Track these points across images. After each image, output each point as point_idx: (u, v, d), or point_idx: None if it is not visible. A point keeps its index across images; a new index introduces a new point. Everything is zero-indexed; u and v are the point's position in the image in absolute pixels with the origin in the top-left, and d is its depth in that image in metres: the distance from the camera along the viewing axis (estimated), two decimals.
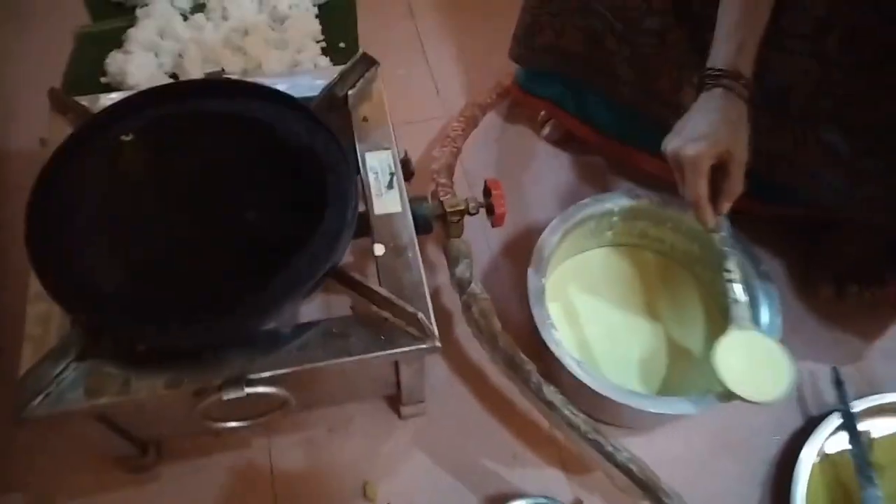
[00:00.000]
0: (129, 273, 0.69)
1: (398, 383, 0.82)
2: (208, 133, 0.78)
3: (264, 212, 0.73)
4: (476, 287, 0.85)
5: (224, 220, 0.73)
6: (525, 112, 1.17)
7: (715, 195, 0.76)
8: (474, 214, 0.86)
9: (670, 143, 0.76)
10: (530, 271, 0.85)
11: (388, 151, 0.82)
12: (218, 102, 0.80)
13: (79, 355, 0.68)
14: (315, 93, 0.86)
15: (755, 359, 0.74)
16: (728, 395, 0.73)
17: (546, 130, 1.14)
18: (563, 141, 1.15)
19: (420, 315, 0.69)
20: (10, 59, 1.26)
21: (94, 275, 0.68)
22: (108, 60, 1.20)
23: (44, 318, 0.71)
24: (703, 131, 0.73)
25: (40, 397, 0.65)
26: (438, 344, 0.69)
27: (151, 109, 0.78)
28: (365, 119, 0.85)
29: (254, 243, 0.72)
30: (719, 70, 0.75)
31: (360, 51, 0.86)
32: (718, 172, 0.74)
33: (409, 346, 0.69)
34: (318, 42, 1.26)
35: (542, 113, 1.15)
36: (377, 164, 0.81)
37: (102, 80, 1.20)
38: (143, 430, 0.80)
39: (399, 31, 1.33)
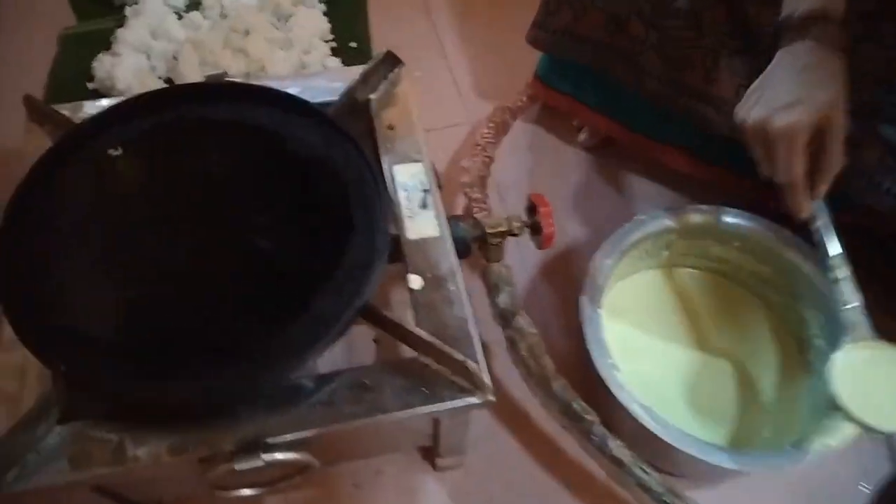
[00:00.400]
0: (119, 315, 0.58)
1: (435, 434, 0.71)
2: (210, 145, 0.67)
3: (278, 239, 0.62)
4: (522, 320, 0.74)
5: (232, 250, 0.62)
6: (550, 109, 1.05)
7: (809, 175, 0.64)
8: (517, 236, 0.75)
9: (751, 113, 0.64)
10: (584, 300, 0.74)
11: (420, 164, 0.71)
12: (221, 109, 0.68)
13: (62, 416, 0.56)
14: (330, 97, 0.75)
15: (881, 377, 0.63)
16: (850, 422, 0.62)
17: (582, 136, 1.03)
18: (601, 147, 1.04)
19: (470, 364, 0.57)
20: None
21: (77, 317, 0.57)
22: (94, 64, 1.09)
23: (18, 371, 0.59)
24: (795, 95, 0.61)
25: (15, 470, 0.54)
26: (492, 398, 0.58)
27: (144, 118, 0.67)
28: (391, 127, 0.73)
29: (268, 278, 0.60)
30: (803, 17, 0.63)
31: (385, 50, 0.75)
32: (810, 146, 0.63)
33: (456, 400, 0.58)
34: (326, 42, 1.14)
35: (576, 121, 1.04)
36: (408, 180, 0.69)
37: (89, 85, 1.09)
38: (142, 494, 0.68)
39: (415, 28, 1.21)
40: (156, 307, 0.58)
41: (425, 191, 0.69)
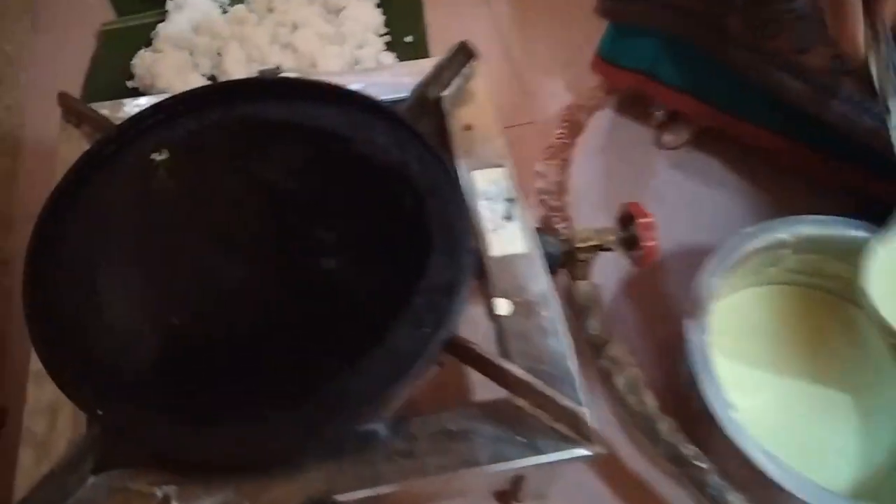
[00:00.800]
0: (163, 349, 0.50)
1: (518, 480, 0.61)
2: (266, 149, 0.58)
3: (346, 258, 0.54)
4: (618, 349, 0.64)
5: (292, 272, 0.53)
6: (626, 107, 0.95)
7: None
8: (609, 251, 0.65)
9: None
10: (689, 325, 0.64)
11: (503, 170, 0.61)
12: (276, 108, 0.60)
13: (97, 465, 0.48)
14: (396, 95, 0.66)
15: None
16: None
17: (668, 137, 0.93)
18: (691, 145, 0.93)
19: (577, 409, 0.48)
20: (22, 61, 1.08)
21: (116, 350, 0.49)
22: (134, 61, 1.01)
23: (49, 409, 0.52)
24: None
25: None
26: (603, 450, 0.48)
27: (191, 118, 0.59)
28: (468, 127, 0.64)
29: (334, 304, 0.52)
30: None
31: (459, 42, 0.66)
32: None
33: (559, 452, 0.49)
34: (380, 36, 1.06)
35: (659, 114, 0.93)
36: (490, 188, 0.60)
37: (129, 83, 1.01)
38: None
39: (473, 20, 1.12)
40: (206, 339, 0.50)
41: (510, 200, 0.60)
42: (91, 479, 0.48)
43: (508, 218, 0.59)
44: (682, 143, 0.93)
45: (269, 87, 0.60)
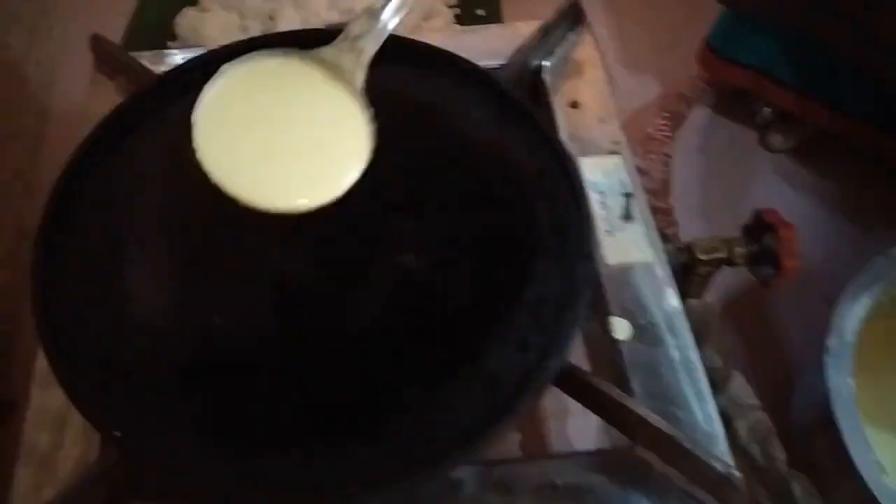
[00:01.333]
0: (200, 356, 0.39)
1: None
2: None
3: (431, 257, 0.43)
4: (739, 386, 0.53)
5: (362, 271, 0.42)
6: (728, 101, 0.84)
7: None
8: (736, 266, 0.54)
9: None
10: (830, 362, 0.53)
11: (619, 157, 0.50)
12: None
13: (111, 495, 0.38)
14: (487, 62, 0.55)
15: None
16: None
17: (776, 139, 0.81)
18: (799, 150, 0.82)
19: (729, 473, 0.37)
20: (56, 14, 0.98)
21: (141, 357, 0.38)
22: (178, 20, 0.92)
23: (55, 419, 0.41)
24: None
25: None
26: None
27: None
28: (574, 105, 0.53)
29: (415, 314, 0.41)
30: None
31: (572, 0, 0.55)
32: None
33: None
34: (450, 7, 0.95)
35: (767, 111, 0.82)
36: (602, 180, 0.49)
37: (170, 44, 0.92)
38: None
39: None
40: (254, 347, 0.39)
41: (628, 195, 0.49)
42: None
43: (627, 217, 0.48)
44: (789, 147, 0.82)
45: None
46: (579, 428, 0.71)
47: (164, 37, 0.93)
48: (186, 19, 0.92)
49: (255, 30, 0.91)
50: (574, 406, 0.71)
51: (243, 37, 0.85)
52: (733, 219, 0.77)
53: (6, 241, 0.79)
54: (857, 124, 0.75)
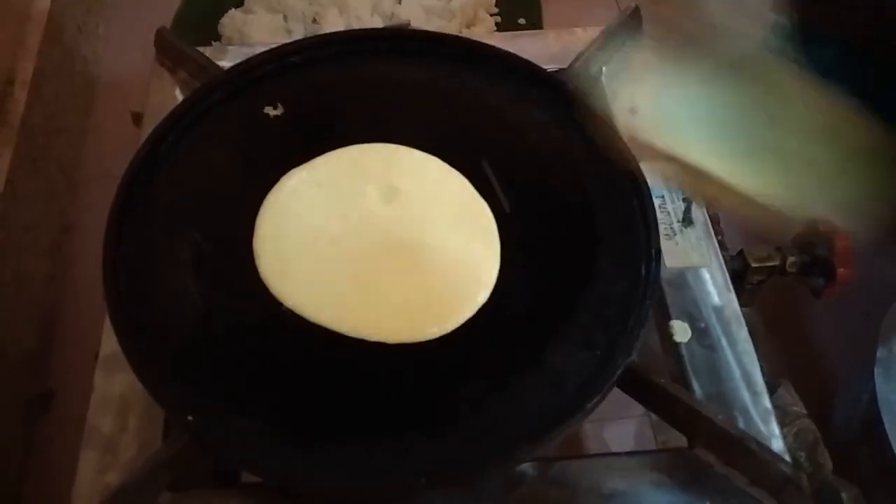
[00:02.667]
0: (274, 345, 0.40)
1: None
2: (399, 115, 0.48)
3: None
4: (787, 393, 0.53)
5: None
6: None
7: None
8: (788, 275, 0.54)
9: None
10: (879, 372, 0.53)
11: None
12: (414, 68, 0.50)
13: (175, 481, 0.38)
14: (547, 66, 0.55)
15: None
16: None
17: None
18: None
19: (793, 473, 0.37)
20: (102, 13, 1.00)
21: (215, 345, 0.39)
22: (223, 20, 0.93)
23: (118, 404, 0.42)
24: None
25: None
26: None
27: (314, 70, 0.49)
28: (634, 110, 0.53)
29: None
30: None
31: (633, 6, 0.55)
32: None
33: None
34: (492, 15, 0.96)
35: None
36: (662, 184, 0.49)
37: (215, 45, 0.92)
38: None
39: (596, 7, 1.01)
40: (323, 341, 0.40)
41: (687, 200, 0.49)
42: (167, 497, 0.38)
43: (686, 222, 0.48)
44: None
45: (407, 41, 0.51)
46: (615, 435, 0.72)
47: (209, 38, 0.93)
48: (231, 20, 0.92)
49: (299, 32, 0.92)
50: (610, 412, 0.72)
51: (288, 39, 0.86)
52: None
53: (49, 234, 0.80)
54: None
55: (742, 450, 0.38)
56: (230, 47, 0.57)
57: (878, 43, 0.66)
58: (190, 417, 0.36)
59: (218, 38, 0.93)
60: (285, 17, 0.93)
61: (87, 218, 0.82)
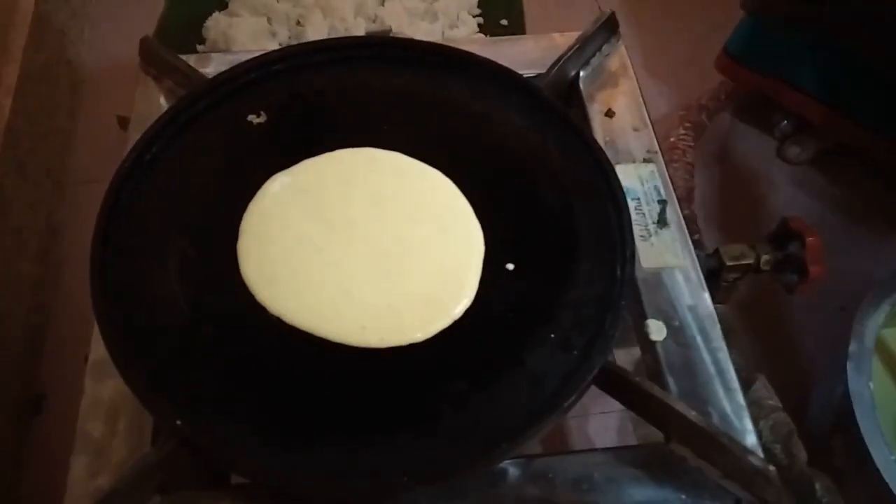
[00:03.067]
0: (260, 349, 0.41)
1: None
2: (383, 121, 0.49)
3: None
4: (762, 387, 0.55)
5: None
6: (747, 111, 0.85)
7: None
8: (761, 272, 0.56)
9: None
10: (851, 366, 0.54)
11: (653, 165, 0.52)
12: (393, 74, 0.51)
13: (163, 484, 0.39)
14: (525, 71, 0.56)
15: None
16: None
17: (794, 150, 0.82)
18: (816, 160, 0.83)
19: (762, 466, 0.38)
20: (87, 17, 1.00)
21: (202, 350, 0.40)
22: (207, 23, 0.93)
23: (108, 409, 0.43)
24: None
25: None
26: None
27: (297, 78, 0.50)
28: (609, 113, 0.55)
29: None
30: None
31: (608, 11, 0.56)
32: None
33: None
34: (474, 17, 0.97)
35: (783, 124, 0.84)
36: (637, 186, 0.51)
37: (200, 48, 0.93)
38: None
39: (576, 8, 1.03)
40: (308, 345, 0.41)
41: (662, 202, 0.50)
42: (156, 500, 0.39)
43: (661, 223, 0.49)
44: (807, 159, 0.84)
45: (388, 48, 0.51)
46: (597, 428, 0.73)
47: (193, 41, 0.94)
48: (216, 23, 0.93)
49: (284, 35, 0.93)
50: (593, 407, 0.73)
51: (272, 42, 0.87)
52: (751, 227, 0.80)
53: (37, 238, 0.81)
54: (877, 136, 0.76)
55: (714, 444, 0.39)
56: (214, 55, 0.57)
57: (845, 37, 0.67)
58: (178, 422, 0.37)
59: (202, 41, 0.94)
60: (269, 20, 0.94)
61: (75, 221, 0.83)
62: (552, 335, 0.41)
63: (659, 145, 0.53)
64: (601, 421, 0.73)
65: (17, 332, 0.73)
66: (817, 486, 0.51)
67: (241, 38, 0.90)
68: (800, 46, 0.73)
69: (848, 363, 0.55)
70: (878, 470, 0.50)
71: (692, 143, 0.75)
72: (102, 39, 0.99)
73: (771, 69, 0.77)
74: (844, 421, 0.55)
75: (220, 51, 0.88)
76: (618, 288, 0.42)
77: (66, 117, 0.91)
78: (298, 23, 0.93)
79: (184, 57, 0.55)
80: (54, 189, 0.86)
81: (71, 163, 0.89)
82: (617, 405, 0.64)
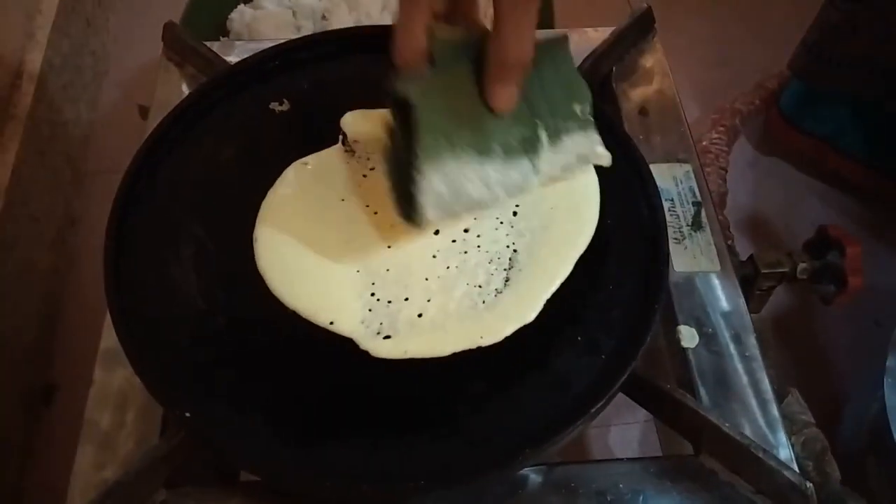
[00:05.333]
0: (273, 342, 0.39)
1: None
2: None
3: None
4: (795, 402, 0.52)
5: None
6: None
7: None
8: (796, 282, 0.53)
9: None
10: (888, 382, 0.52)
11: (688, 166, 0.50)
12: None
13: (171, 478, 0.38)
14: None
15: None
16: None
17: None
18: None
19: (799, 482, 0.36)
20: (112, 7, 1.00)
21: (215, 342, 0.38)
22: (232, 16, 0.92)
23: (117, 399, 0.42)
24: None
25: None
26: None
27: (320, 65, 0.49)
28: (643, 111, 0.53)
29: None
30: None
31: (644, 6, 0.55)
32: None
33: None
34: None
35: None
36: (671, 187, 0.49)
37: (223, 40, 0.92)
38: None
39: (609, 6, 1.01)
40: (324, 340, 0.39)
41: (697, 204, 0.48)
42: (162, 494, 0.38)
43: (696, 226, 0.47)
44: None
45: None
46: (619, 440, 0.71)
47: (217, 34, 0.93)
48: (240, 16, 0.92)
49: (309, 28, 0.91)
50: (614, 418, 0.71)
51: (297, 35, 0.86)
52: (785, 236, 0.77)
53: (54, 226, 0.80)
54: None
55: (747, 457, 0.37)
56: (237, 42, 0.56)
57: (889, 102, 0.66)
58: (187, 414, 0.35)
59: (226, 33, 0.93)
60: (294, 14, 0.93)
61: (93, 211, 0.82)
62: (579, 337, 0.39)
63: (696, 150, 0.51)
64: (623, 432, 0.71)
65: (31, 321, 0.72)
66: None
67: (265, 31, 0.89)
68: (849, 110, 0.72)
69: (885, 379, 0.52)
70: None
71: (726, 148, 0.73)
72: (127, 30, 0.98)
73: (821, 133, 0.76)
74: (879, 439, 0.52)
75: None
76: (650, 291, 0.40)
77: (88, 107, 0.90)
78: (324, 17, 0.92)
79: (207, 44, 0.54)
80: (73, 178, 0.86)
81: (91, 152, 0.88)
82: (640, 416, 0.62)
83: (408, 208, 0.37)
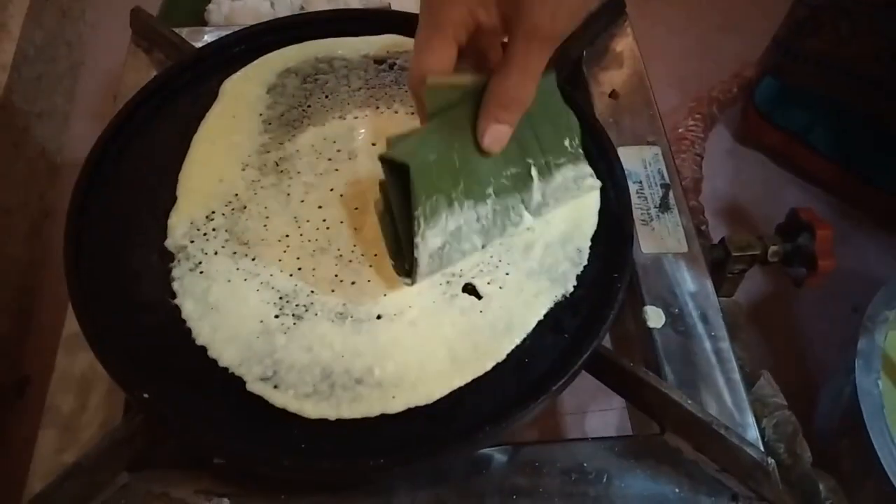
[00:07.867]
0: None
1: None
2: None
3: None
4: (767, 384, 0.52)
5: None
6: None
7: None
8: (768, 264, 0.53)
9: None
10: (860, 364, 0.52)
11: (657, 149, 0.50)
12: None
13: (134, 461, 0.37)
14: None
15: None
16: None
17: None
18: None
19: (761, 459, 0.36)
20: None
21: (173, 323, 0.38)
22: (210, 7, 0.92)
23: (79, 383, 0.41)
24: None
25: None
26: None
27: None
28: (614, 95, 0.53)
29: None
30: None
31: None
32: None
33: None
34: None
35: None
36: (639, 169, 0.49)
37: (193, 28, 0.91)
38: None
39: None
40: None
41: (665, 185, 0.48)
42: (124, 478, 0.38)
43: (664, 208, 0.47)
44: None
45: (381, 20, 0.50)
46: (596, 426, 0.71)
47: (196, 23, 0.92)
48: (217, 7, 0.91)
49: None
50: (592, 404, 0.71)
51: None
52: (759, 221, 0.77)
53: (29, 219, 0.79)
54: (891, 200, 0.75)
55: (710, 434, 0.37)
56: (206, 28, 0.56)
57: (858, 101, 0.67)
58: (146, 395, 0.35)
59: (205, 24, 0.92)
60: (272, 4, 0.92)
61: (68, 203, 0.81)
62: (543, 317, 0.39)
63: (666, 134, 0.51)
64: (601, 418, 0.71)
65: (4, 315, 0.72)
66: (822, 487, 0.48)
67: (243, 21, 0.88)
68: (814, 107, 0.73)
69: (857, 360, 0.52)
70: (885, 472, 0.48)
71: (702, 135, 0.73)
72: (103, 21, 0.97)
73: (791, 128, 0.77)
74: (852, 422, 0.53)
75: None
76: (614, 272, 0.40)
77: (64, 98, 0.90)
78: (302, 7, 0.91)
79: (176, 30, 0.54)
80: (48, 170, 0.85)
81: (66, 144, 0.88)
82: (616, 402, 0.61)
83: (404, 265, 0.38)
